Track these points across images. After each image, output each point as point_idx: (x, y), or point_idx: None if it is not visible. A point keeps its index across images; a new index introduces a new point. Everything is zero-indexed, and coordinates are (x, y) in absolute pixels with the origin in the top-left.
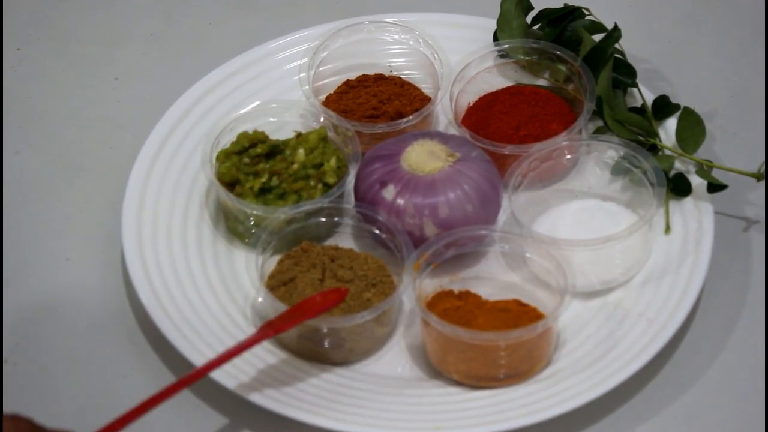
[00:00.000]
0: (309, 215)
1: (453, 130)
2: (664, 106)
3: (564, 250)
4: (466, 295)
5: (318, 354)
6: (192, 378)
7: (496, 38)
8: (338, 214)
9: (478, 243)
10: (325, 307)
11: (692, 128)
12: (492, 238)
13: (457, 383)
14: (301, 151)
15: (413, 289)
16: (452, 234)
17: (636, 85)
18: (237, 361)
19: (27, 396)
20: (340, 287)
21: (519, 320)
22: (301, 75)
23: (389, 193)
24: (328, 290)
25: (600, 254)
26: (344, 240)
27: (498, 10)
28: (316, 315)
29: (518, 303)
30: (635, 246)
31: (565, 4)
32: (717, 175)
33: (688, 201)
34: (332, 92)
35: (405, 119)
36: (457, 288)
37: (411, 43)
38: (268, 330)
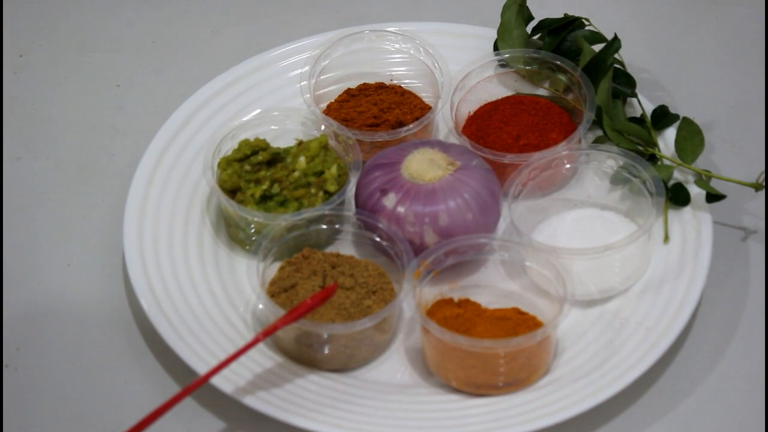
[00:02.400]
0: (310, 222)
1: (453, 139)
2: (663, 116)
3: (563, 258)
4: (465, 303)
5: (318, 361)
6: (195, 384)
7: (496, 48)
8: (339, 221)
9: (478, 251)
10: (314, 304)
11: (691, 138)
12: (492, 246)
13: (456, 390)
14: (302, 159)
15: (413, 296)
16: (452, 242)
17: (635, 95)
18: (237, 367)
19: (27, 401)
20: (329, 285)
21: (518, 328)
22: (303, 83)
23: (390, 201)
24: (317, 292)
25: (599, 263)
26: (345, 247)
27: (498, 20)
28: (305, 313)
29: (517, 311)
30: (634, 255)
31: (565, 14)
32: (715, 185)
33: (686, 211)
34: (333, 101)
35: (405, 128)
36: (456, 296)
37: (412, 52)
38: (260, 334)
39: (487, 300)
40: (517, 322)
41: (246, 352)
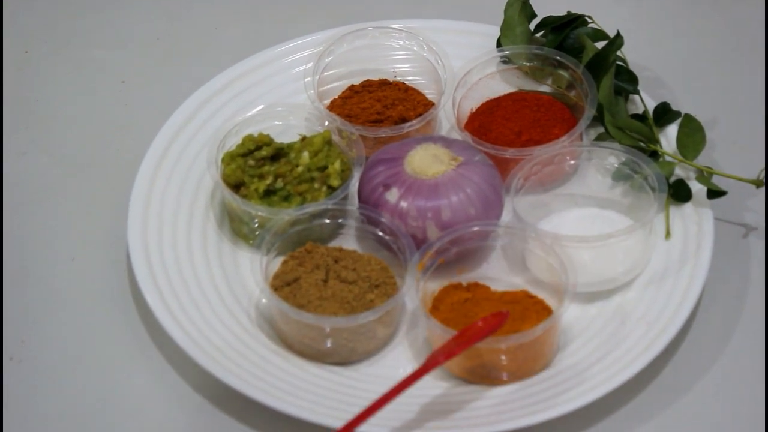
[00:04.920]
0: (313, 217)
1: (456, 135)
2: (665, 113)
3: (566, 247)
4: (474, 287)
5: (321, 354)
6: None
7: (499, 45)
8: (342, 215)
9: (483, 239)
10: (488, 331)
11: (693, 135)
12: (496, 233)
13: (460, 381)
14: (305, 154)
15: (416, 290)
16: (456, 230)
17: (637, 92)
18: (240, 359)
19: (32, 393)
20: (501, 311)
21: (526, 313)
22: (306, 79)
23: (392, 195)
24: (490, 315)
25: (601, 253)
26: (348, 241)
27: (501, 17)
28: (481, 339)
29: (526, 294)
30: (635, 248)
31: (568, 11)
32: (717, 181)
33: (688, 207)
34: (337, 97)
35: (408, 124)
36: (465, 281)
37: (415, 48)
38: (438, 357)
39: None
40: (526, 306)
41: (419, 380)
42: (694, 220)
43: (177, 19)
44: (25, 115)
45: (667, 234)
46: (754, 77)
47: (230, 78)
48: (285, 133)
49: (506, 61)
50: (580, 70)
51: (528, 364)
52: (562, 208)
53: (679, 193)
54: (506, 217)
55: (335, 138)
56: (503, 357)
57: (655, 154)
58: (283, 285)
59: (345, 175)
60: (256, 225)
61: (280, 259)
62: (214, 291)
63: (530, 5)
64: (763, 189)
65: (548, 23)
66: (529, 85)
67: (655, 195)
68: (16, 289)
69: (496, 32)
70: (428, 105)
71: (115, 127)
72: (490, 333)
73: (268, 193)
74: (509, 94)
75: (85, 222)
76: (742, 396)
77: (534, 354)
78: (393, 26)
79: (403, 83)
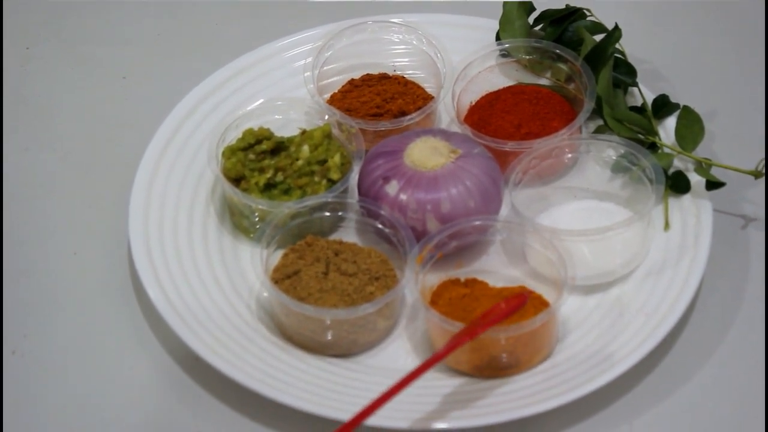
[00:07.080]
0: (313, 210)
1: (455, 129)
2: (663, 105)
3: (565, 240)
4: (472, 283)
5: (322, 346)
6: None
7: (498, 38)
8: (342, 208)
9: (482, 233)
10: (510, 311)
11: (691, 127)
12: (495, 227)
13: (459, 374)
14: (305, 148)
15: (415, 282)
16: (455, 225)
17: (636, 85)
18: (241, 352)
19: (35, 387)
20: (521, 292)
21: (524, 308)
22: (306, 74)
23: (392, 188)
24: (512, 296)
25: (599, 246)
26: (348, 234)
27: (500, 12)
28: (504, 318)
29: (524, 290)
30: (634, 240)
31: (566, 5)
32: (715, 173)
33: (686, 198)
34: (337, 91)
35: (408, 117)
36: (463, 276)
37: (414, 42)
38: (463, 337)
39: (491, 284)
40: None
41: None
42: (693, 211)
43: (177, 15)
44: (26, 112)
45: (666, 226)
46: (753, 69)
47: (230, 73)
48: (285, 127)
49: (505, 54)
50: (578, 63)
51: (527, 357)
52: (561, 201)
53: (678, 184)
54: (504, 210)
55: (335, 131)
56: (502, 349)
57: (653, 146)
58: (283, 278)
59: (345, 168)
60: (257, 218)
61: (281, 252)
62: (215, 284)
63: None
64: (762, 180)
65: (547, 16)
66: (528, 78)
67: (653, 187)
68: (19, 283)
69: (495, 26)
70: (427, 98)
71: (117, 123)
72: (512, 313)
73: (269, 187)
74: (508, 88)
75: (86, 217)
76: (740, 387)
77: (533, 346)
78: (392, 20)
79: (403, 77)
